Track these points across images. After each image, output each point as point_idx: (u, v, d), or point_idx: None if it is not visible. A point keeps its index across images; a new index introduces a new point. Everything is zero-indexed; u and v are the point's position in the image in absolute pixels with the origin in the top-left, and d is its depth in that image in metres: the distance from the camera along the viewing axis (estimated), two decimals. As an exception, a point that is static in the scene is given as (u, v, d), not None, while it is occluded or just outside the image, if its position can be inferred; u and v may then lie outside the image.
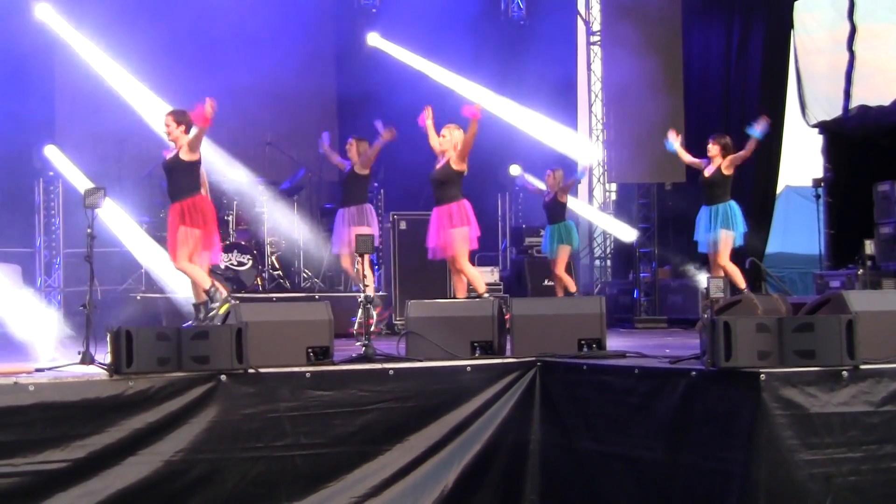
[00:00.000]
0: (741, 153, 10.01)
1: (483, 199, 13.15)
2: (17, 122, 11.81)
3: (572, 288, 11.98)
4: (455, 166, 9.18)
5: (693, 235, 10.41)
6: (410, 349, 6.81)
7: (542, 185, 12.44)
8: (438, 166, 9.30)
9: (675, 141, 10.65)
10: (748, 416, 5.34)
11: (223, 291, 8.44)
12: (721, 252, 9.90)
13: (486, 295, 8.92)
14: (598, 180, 15.72)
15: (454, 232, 9.12)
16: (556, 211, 12.12)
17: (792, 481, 5.30)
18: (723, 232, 9.89)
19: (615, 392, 6.14)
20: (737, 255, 10.27)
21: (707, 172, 10.10)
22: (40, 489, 5.51)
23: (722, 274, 9.72)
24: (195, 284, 8.46)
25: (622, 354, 6.85)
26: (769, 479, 5.28)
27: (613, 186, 15.61)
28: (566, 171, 12.80)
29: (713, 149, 10.10)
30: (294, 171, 13.02)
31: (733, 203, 10.10)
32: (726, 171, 10.00)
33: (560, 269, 11.90)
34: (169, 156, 8.48)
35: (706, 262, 10.63)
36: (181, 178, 8.37)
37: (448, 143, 9.25)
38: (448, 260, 9.34)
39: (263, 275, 11.97)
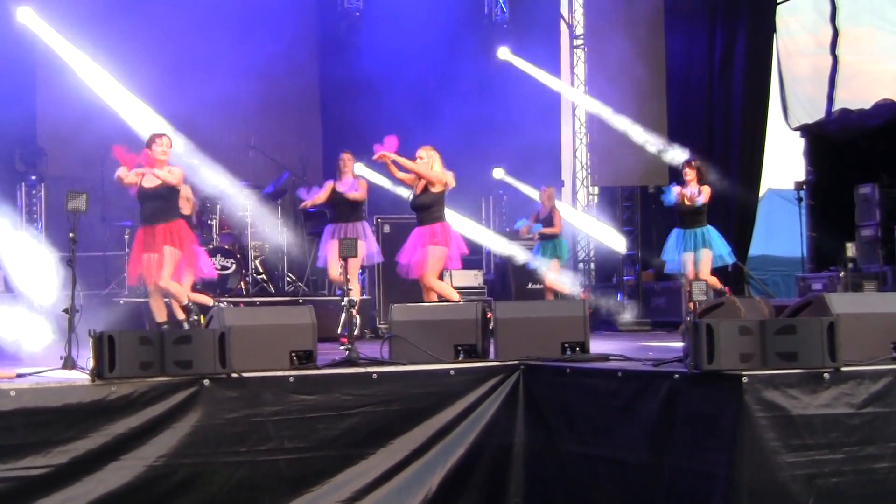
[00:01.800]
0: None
1: (467, 202, 13.19)
2: (-2, 125, 11.78)
3: (566, 290, 12.12)
4: (434, 189, 9.04)
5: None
6: (394, 353, 6.81)
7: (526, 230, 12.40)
8: (418, 191, 9.12)
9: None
10: (731, 418, 5.36)
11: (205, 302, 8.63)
12: (703, 270, 10.22)
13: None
14: (582, 183, 15.75)
15: (430, 250, 8.95)
16: (549, 227, 12.23)
17: (774, 483, 5.32)
18: (705, 251, 10.25)
19: (599, 395, 6.15)
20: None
21: (690, 200, 10.27)
22: (21, 495, 5.47)
23: None
24: (160, 307, 8.63)
25: (605, 357, 6.86)
26: (752, 481, 5.30)
27: (596, 189, 15.66)
28: (547, 178, 12.91)
29: (690, 173, 10.40)
30: (277, 175, 13.01)
31: (710, 227, 10.46)
32: (706, 200, 10.32)
33: (551, 280, 11.99)
34: (153, 183, 8.53)
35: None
36: (171, 201, 8.64)
37: (425, 166, 9.05)
38: (419, 279, 9.14)
39: (247, 279, 11.95)
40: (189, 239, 8.76)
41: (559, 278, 12.28)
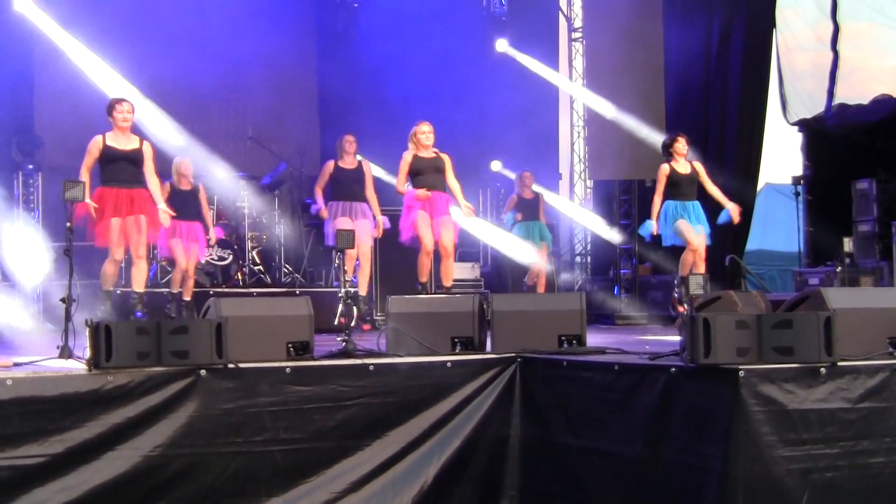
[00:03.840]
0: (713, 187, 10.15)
1: (465, 194, 13.16)
2: (-5, 114, 11.76)
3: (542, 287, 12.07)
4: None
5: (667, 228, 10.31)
6: (391, 344, 6.81)
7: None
8: (434, 156, 9.48)
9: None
10: (727, 413, 5.36)
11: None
12: (702, 248, 9.93)
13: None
14: (580, 177, 15.75)
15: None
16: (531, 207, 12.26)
17: (770, 477, 5.33)
18: (701, 227, 9.97)
19: (595, 388, 6.16)
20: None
21: (684, 170, 10.05)
22: (17, 484, 5.47)
23: (703, 269, 9.75)
24: (141, 277, 8.74)
25: (602, 350, 6.86)
26: (747, 475, 5.31)
27: (591, 182, 15.65)
28: (545, 171, 12.95)
29: (684, 147, 10.09)
30: (275, 166, 13.00)
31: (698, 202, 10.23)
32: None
33: (539, 265, 11.95)
34: (128, 146, 8.58)
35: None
36: (141, 168, 8.67)
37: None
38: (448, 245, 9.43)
39: (244, 269, 11.95)
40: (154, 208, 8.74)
41: (545, 263, 12.24)
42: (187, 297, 10.10)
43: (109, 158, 8.50)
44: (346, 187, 10.17)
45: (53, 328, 10.34)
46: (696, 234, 9.85)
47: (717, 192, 10.18)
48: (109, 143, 8.49)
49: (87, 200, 8.26)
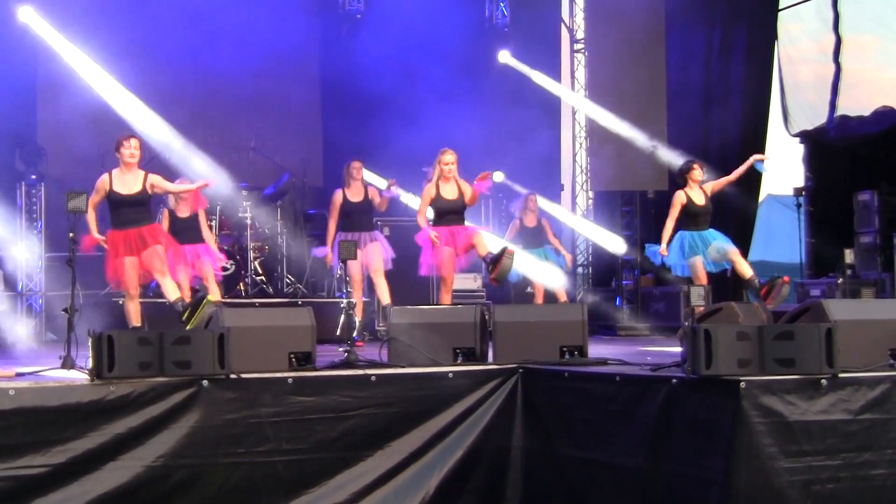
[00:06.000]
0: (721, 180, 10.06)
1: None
2: (-2, 124, 11.79)
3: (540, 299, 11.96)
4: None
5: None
6: (393, 355, 6.82)
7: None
8: (456, 197, 9.32)
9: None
10: (728, 424, 5.37)
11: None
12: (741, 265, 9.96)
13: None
14: (581, 188, 15.76)
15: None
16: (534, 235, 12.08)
17: (771, 488, 5.33)
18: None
19: (596, 399, 6.17)
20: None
21: (700, 201, 10.04)
22: (20, 494, 5.49)
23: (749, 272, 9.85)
24: (136, 311, 8.60)
25: (603, 362, 6.88)
26: (748, 487, 5.31)
27: (591, 193, 15.64)
28: (547, 182, 12.88)
29: (701, 175, 10.08)
30: (277, 177, 13.01)
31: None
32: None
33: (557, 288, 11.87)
34: (132, 190, 8.49)
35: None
36: (148, 207, 8.71)
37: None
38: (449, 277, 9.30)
39: (246, 280, 11.96)
40: (168, 238, 8.76)
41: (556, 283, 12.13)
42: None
43: (115, 203, 8.49)
44: (355, 219, 10.02)
45: (55, 338, 10.37)
46: (705, 273, 9.83)
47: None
48: (116, 187, 8.43)
49: (96, 235, 8.32)
